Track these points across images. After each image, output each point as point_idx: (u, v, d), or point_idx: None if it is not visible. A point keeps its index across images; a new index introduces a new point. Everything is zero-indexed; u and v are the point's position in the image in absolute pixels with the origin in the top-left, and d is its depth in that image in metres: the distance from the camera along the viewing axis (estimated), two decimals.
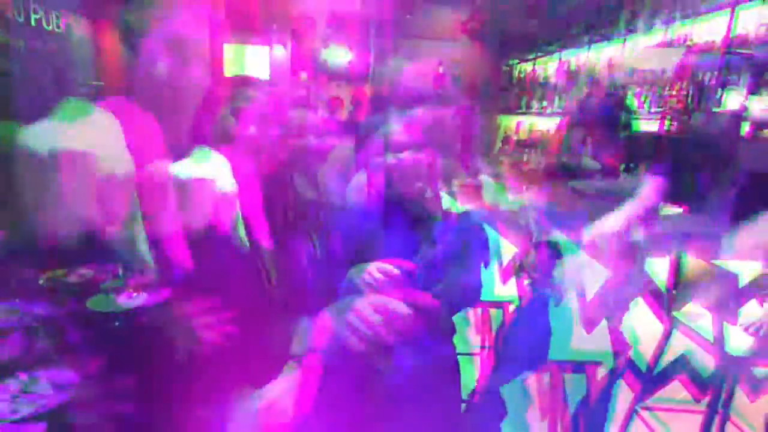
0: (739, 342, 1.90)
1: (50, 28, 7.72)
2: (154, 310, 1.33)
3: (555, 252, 1.80)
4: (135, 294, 1.77)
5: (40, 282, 1.86)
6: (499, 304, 2.39)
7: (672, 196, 2.88)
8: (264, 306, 1.25)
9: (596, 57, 5.81)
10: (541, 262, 1.96)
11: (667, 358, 2.33)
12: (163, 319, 1.31)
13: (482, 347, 2.77)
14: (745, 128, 3.39)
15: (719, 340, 1.84)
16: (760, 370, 2.14)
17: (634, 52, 4.98)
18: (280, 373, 1.28)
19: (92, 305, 1.71)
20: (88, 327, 1.64)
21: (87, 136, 1.26)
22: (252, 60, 8.44)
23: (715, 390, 1.93)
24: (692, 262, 1.95)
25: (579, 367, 1.88)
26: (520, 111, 7.53)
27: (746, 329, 1.95)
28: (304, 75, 12.18)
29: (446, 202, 2.10)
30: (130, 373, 1.43)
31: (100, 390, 1.30)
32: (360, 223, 1.44)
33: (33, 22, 7.26)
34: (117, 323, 1.63)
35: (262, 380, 1.24)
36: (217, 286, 1.22)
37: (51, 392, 1.24)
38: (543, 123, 6.92)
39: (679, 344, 2.16)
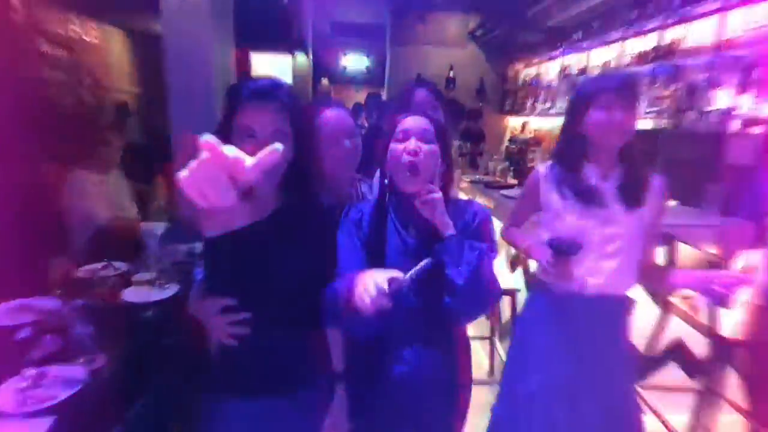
0: (731, 325, 1.89)
1: (88, 39, 7.69)
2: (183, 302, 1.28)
3: None
4: (166, 286, 1.80)
5: (78, 275, 1.90)
6: (509, 292, 2.40)
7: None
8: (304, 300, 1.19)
9: (594, 61, 5.78)
10: None
11: (664, 341, 2.34)
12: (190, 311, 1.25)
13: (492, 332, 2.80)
14: (735, 126, 3.36)
15: (712, 324, 1.84)
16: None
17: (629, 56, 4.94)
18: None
19: (126, 296, 1.75)
20: (122, 316, 1.65)
21: None
22: (276, 68, 8.48)
23: (708, 371, 1.92)
24: (686, 250, 1.95)
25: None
26: (525, 112, 7.47)
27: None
28: (325, 81, 12.22)
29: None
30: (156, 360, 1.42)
31: (111, 384, 1.27)
32: (379, 214, 1.32)
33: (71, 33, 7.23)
34: (149, 313, 1.66)
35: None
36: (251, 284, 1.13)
37: (60, 387, 1.22)
38: (546, 123, 6.88)
39: (675, 327, 2.15)
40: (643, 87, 4.62)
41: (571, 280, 1.49)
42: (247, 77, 1.21)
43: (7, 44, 5.31)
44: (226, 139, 1.09)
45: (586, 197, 1.49)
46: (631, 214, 1.48)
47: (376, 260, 1.25)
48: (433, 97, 1.94)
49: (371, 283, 0.99)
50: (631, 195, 1.48)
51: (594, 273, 1.51)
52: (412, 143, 1.22)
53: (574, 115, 1.51)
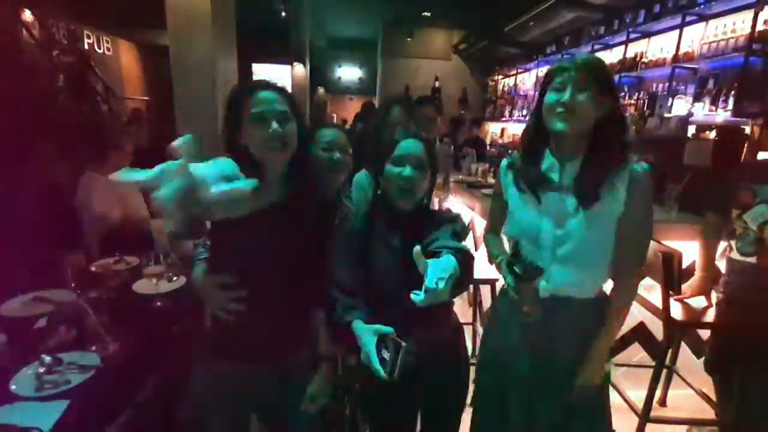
0: (680, 310, 1.90)
1: (101, 51, 7.67)
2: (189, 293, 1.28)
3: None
4: (174, 278, 1.78)
5: (92, 269, 1.88)
6: (488, 281, 2.40)
7: None
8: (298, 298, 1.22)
9: None
10: None
11: (627, 325, 2.35)
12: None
13: (474, 318, 2.80)
14: (691, 130, 3.40)
15: (665, 309, 1.86)
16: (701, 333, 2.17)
17: None
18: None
19: (137, 288, 1.73)
20: (133, 307, 1.64)
21: None
22: (276, 77, 8.44)
23: (662, 349, 1.94)
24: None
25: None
26: (503, 119, 7.50)
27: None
28: (321, 90, 12.16)
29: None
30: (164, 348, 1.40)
31: (122, 370, 1.26)
32: (364, 220, 1.33)
33: (86, 45, 7.15)
34: (158, 303, 1.64)
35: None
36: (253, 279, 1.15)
37: (74, 373, 1.20)
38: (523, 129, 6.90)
39: (636, 312, 2.16)
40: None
41: (536, 310, 1.21)
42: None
43: (28, 56, 5.25)
44: (236, 126, 1.13)
45: (536, 188, 1.23)
46: (588, 211, 1.16)
47: (367, 262, 1.26)
48: (406, 112, 1.94)
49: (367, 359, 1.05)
50: (586, 188, 1.15)
51: (545, 277, 1.20)
52: (407, 171, 1.22)
53: (538, 100, 1.23)
